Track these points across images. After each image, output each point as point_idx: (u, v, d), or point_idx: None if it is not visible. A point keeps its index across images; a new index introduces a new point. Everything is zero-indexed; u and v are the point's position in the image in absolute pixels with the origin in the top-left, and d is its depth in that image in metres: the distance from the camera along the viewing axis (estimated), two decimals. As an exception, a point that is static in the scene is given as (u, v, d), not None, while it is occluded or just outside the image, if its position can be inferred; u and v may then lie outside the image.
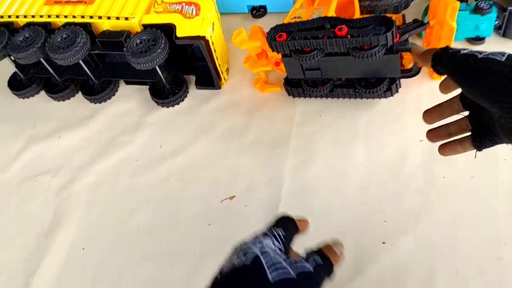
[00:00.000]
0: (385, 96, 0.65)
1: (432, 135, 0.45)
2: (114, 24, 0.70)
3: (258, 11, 0.83)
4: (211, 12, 0.69)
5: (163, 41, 0.66)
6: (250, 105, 0.71)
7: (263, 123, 0.69)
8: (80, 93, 0.79)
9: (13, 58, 0.76)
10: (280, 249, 0.37)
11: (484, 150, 0.40)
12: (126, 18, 0.69)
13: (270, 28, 0.61)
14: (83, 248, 0.62)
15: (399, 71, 0.61)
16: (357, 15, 0.69)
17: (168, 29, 0.67)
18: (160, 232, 0.61)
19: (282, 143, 0.65)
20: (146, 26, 0.69)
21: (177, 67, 0.75)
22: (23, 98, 0.82)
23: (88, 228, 0.64)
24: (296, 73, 0.65)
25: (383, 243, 0.54)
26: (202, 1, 0.68)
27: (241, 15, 0.85)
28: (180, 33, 0.67)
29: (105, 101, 0.78)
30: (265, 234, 0.39)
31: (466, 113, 0.42)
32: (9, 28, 0.74)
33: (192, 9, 0.68)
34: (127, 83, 0.80)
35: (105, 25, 0.71)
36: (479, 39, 0.68)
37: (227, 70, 0.76)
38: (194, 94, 0.75)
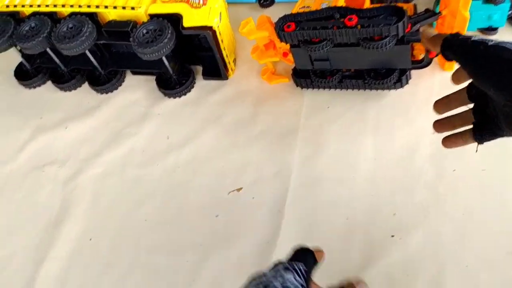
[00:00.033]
0: (395, 88, 0.64)
1: (437, 125, 0.45)
2: (120, 14, 0.69)
3: (266, 1, 0.82)
4: (218, 1, 0.68)
5: (169, 31, 0.65)
6: (258, 96, 0.71)
7: (270, 114, 0.68)
8: (86, 83, 0.79)
9: (19, 48, 0.76)
10: (302, 285, 0.36)
11: (485, 143, 0.40)
12: (132, 8, 0.68)
13: (279, 18, 0.60)
14: (91, 239, 0.62)
15: (410, 62, 0.60)
16: (367, 4, 0.67)
17: (174, 19, 0.66)
18: (167, 223, 0.61)
19: (290, 135, 0.65)
20: (152, 16, 0.68)
21: (184, 58, 0.74)
22: (30, 88, 0.82)
23: (96, 219, 0.64)
24: (305, 63, 0.64)
25: (392, 236, 0.53)
26: (209, -10, 0.68)
27: (249, 5, 0.84)
28: (186, 23, 0.66)
29: (111, 91, 0.77)
30: (286, 268, 0.37)
31: (472, 105, 0.41)
32: (15, 17, 0.73)
33: (199, -2, 0.67)
34: (134, 73, 0.79)
35: (111, 14, 0.70)
36: (491, 29, 0.67)
37: (234, 60, 0.75)
38: (201, 84, 0.75)
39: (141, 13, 0.68)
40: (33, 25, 0.71)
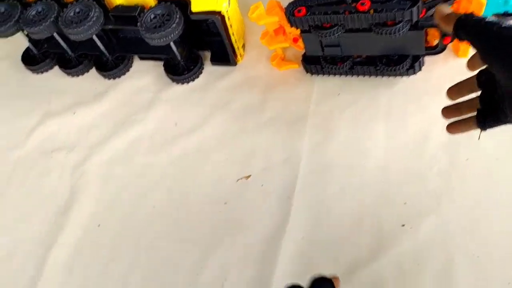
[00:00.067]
0: (407, 74, 0.62)
1: (445, 111, 0.45)
2: (128, -2, 0.69)
3: (275, -16, 0.80)
4: (227, -15, 0.67)
5: (177, 16, 0.64)
6: (267, 82, 0.70)
7: (279, 101, 0.67)
8: (94, 68, 0.78)
9: (26, 33, 0.76)
10: None
11: (501, 134, 0.41)
12: (140, -8, 0.67)
13: (289, 3, 0.59)
14: (99, 225, 0.62)
15: (424, 48, 0.59)
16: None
17: (182, 4, 0.65)
18: (175, 210, 0.61)
19: (300, 122, 0.64)
20: (160, 0, 0.67)
21: (192, 43, 0.73)
22: (37, 73, 0.82)
23: (104, 205, 0.64)
24: (315, 49, 0.63)
25: (403, 225, 0.53)
26: (218, -27, 0.66)
27: (258, -11, 0.82)
28: (195, 7, 0.65)
29: (119, 77, 0.77)
30: None
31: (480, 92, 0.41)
32: (22, 1, 0.73)
33: (208, -18, 0.66)
34: (141, 58, 0.78)
35: (118, -2, 0.69)
36: (507, 15, 0.65)
37: (243, 46, 0.74)
38: (210, 70, 0.74)
39: (149, -3, 0.67)
40: (40, 9, 0.70)
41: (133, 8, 0.67)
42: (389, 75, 0.63)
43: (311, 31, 0.59)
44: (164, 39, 0.64)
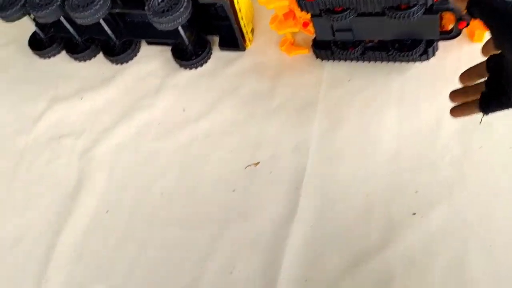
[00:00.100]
0: (420, 60, 0.61)
1: (452, 95, 0.46)
2: (135, -19, 0.67)
3: (285, -33, 0.78)
4: (236, -32, 0.65)
5: (185, 0, 0.63)
6: (276, 68, 0.69)
7: (289, 87, 0.66)
8: (101, 53, 0.78)
9: (32, 17, 0.75)
10: None
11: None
12: (148, -25, 0.66)
13: (299, -14, 0.57)
14: (107, 211, 0.62)
15: (438, 33, 0.57)
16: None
17: (191, -13, 0.64)
18: (183, 197, 0.61)
19: (309, 108, 0.63)
20: (168, -17, 0.65)
21: (200, 27, 0.72)
22: (44, 58, 0.81)
23: (112, 191, 0.64)
24: (326, 34, 0.62)
25: (414, 214, 0.52)
26: (227, -44, 0.65)
27: (267, -28, 0.80)
28: (203, -10, 0.63)
29: (126, 62, 0.76)
30: None
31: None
32: (28, -15, 0.72)
33: (217, -36, 0.64)
34: (149, 43, 0.77)
35: (125, -18, 0.68)
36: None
37: (252, 30, 0.73)
38: (218, 56, 0.73)
39: (156, -20, 0.66)
40: (46, -7, 0.69)
41: (141, -9, 0.66)
42: (401, 61, 0.62)
43: (322, 15, 0.57)
44: (172, 23, 0.63)
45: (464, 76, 0.44)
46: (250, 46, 0.72)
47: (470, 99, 0.43)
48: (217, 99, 0.68)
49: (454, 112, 0.45)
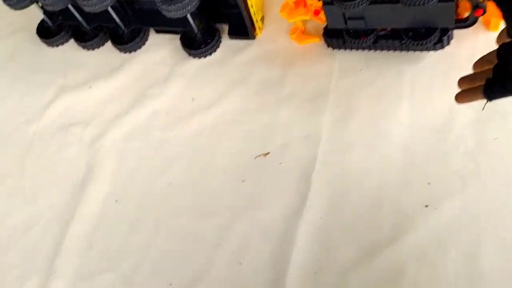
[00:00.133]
0: (434, 49, 0.60)
1: (461, 81, 0.45)
2: (144, -32, 0.66)
3: (296, -46, 0.77)
4: (246, -46, 0.64)
5: (195, -13, 0.62)
6: (286, 56, 0.68)
7: (299, 76, 0.65)
8: (109, 42, 0.77)
9: (40, 5, 0.74)
10: None
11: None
12: (156, -39, 0.64)
13: (311, -28, 0.56)
14: (116, 201, 0.62)
15: (453, 21, 0.56)
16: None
17: (200, -26, 0.63)
18: (192, 186, 0.61)
19: (320, 98, 0.62)
20: (177, -30, 0.64)
21: (209, 15, 0.71)
22: (52, 46, 0.81)
23: (121, 181, 0.64)
24: (337, 22, 0.61)
25: (426, 206, 0.51)
26: None
27: (278, -42, 0.79)
28: (213, -23, 0.62)
29: (135, 50, 0.75)
30: None
31: None
32: (36, -28, 0.71)
33: (226, -50, 0.63)
34: (158, 32, 0.77)
35: (134, -32, 0.67)
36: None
37: (262, 19, 0.72)
38: (227, 44, 0.72)
39: (165, -33, 0.64)
40: (54, -20, 0.68)
41: (149, -22, 0.66)
42: (415, 50, 0.61)
43: (334, 2, 0.56)
44: (181, 11, 0.62)
45: (477, 64, 0.44)
46: (260, 35, 0.71)
47: (476, 85, 0.43)
48: (226, 88, 0.67)
49: (459, 97, 0.45)
